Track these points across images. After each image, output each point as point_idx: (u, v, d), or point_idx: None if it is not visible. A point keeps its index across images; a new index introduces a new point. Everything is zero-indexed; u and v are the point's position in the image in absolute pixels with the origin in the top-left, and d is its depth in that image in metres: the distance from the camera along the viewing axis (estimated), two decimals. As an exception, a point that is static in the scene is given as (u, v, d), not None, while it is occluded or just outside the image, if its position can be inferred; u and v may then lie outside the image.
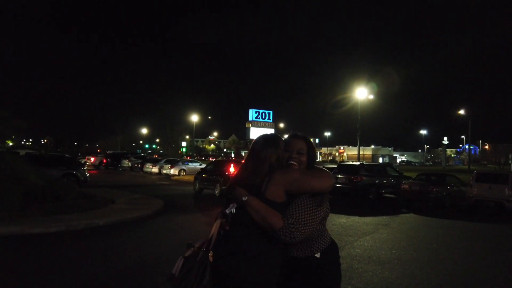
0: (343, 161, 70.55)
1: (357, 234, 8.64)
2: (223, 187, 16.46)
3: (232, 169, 16.30)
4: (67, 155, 18.96)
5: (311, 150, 2.24)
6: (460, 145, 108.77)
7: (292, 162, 2.18)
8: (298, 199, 2.00)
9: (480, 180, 14.06)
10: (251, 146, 2.21)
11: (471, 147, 58.19)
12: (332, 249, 2.18)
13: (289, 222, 1.90)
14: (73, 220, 8.57)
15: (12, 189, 9.05)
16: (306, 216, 1.95)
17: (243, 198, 1.95)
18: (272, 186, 1.96)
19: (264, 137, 2.20)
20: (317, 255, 2.09)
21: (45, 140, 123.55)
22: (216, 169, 17.23)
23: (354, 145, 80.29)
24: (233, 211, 1.99)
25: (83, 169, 17.27)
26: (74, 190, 11.56)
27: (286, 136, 2.45)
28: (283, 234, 1.88)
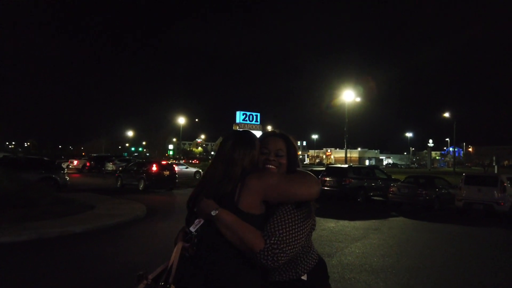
0: (330, 163, 70.67)
1: (347, 240, 8.30)
2: (146, 182, 18.58)
3: (154, 167, 19.01)
4: (45, 158, 18.17)
5: (292, 151, 1.85)
6: (445, 148, 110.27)
7: (270, 166, 1.77)
8: (280, 211, 1.59)
9: (469, 183, 13.91)
10: (219, 145, 1.77)
11: (455, 149, 58.82)
12: (320, 268, 1.78)
13: (271, 242, 1.49)
14: (47, 227, 8.02)
15: (-19, 194, 8.44)
16: (291, 232, 1.54)
17: (212, 212, 1.52)
18: (247, 194, 1.55)
19: (235, 134, 1.78)
20: (304, 277, 1.69)
21: (28, 143, 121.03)
22: (139, 167, 19.88)
23: (341, 148, 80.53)
24: (199, 229, 1.56)
25: (63, 172, 16.58)
26: (50, 195, 10.97)
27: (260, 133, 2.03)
28: (264, 257, 1.47)
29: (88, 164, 38.38)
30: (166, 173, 19.33)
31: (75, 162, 40.39)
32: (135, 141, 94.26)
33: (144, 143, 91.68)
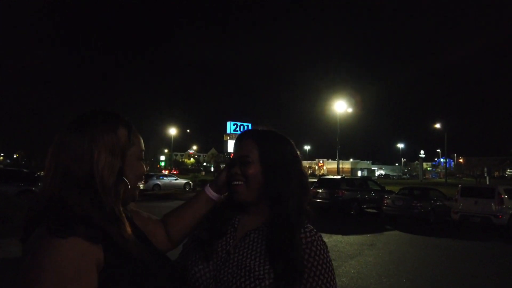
0: (323, 174, 70.36)
1: (341, 258, 7.75)
2: None
3: None
4: (24, 170, 17.42)
5: (271, 154, 1.15)
6: (436, 159, 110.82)
7: (236, 183, 1.16)
8: None
9: (466, 195, 13.50)
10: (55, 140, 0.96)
11: (446, 160, 58.95)
12: None
13: None
14: (15, 245, 7.36)
15: None
16: None
17: None
18: None
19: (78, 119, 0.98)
20: None
21: (17, 154, 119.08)
22: None
23: (334, 159, 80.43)
24: None
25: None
26: (24, 209, 10.28)
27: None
28: None
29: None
30: None
31: None
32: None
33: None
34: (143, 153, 1.09)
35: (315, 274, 1.04)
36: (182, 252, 1.23)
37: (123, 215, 0.95)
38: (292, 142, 1.23)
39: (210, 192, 1.26)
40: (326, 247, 1.12)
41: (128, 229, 0.94)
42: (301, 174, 1.18)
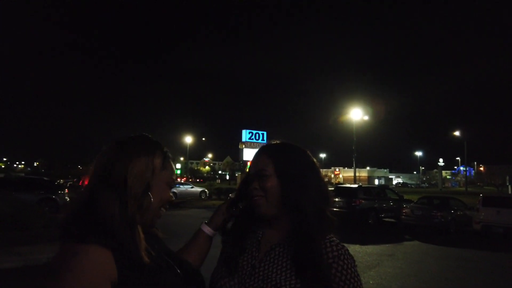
0: (339, 183, 69.64)
1: (359, 268, 7.48)
2: None
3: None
4: (45, 178, 17.78)
5: (288, 168, 1.15)
6: (455, 167, 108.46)
7: (256, 198, 1.16)
8: None
9: (488, 204, 13.14)
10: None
11: (466, 168, 57.64)
12: None
13: None
14: (35, 253, 7.47)
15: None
16: None
17: None
18: None
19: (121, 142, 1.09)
20: None
21: (37, 163, 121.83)
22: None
23: (350, 167, 79.58)
24: None
25: (62, 193, 16.10)
26: (45, 217, 10.46)
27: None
28: None
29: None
30: None
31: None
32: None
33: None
34: (174, 182, 1.15)
35: None
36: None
37: (139, 226, 1.00)
38: (308, 152, 1.23)
39: (208, 229, 1.33)
40: (354, 261, 1.10)
41: (142, 236, 0.99)
42: (320, 182, 1.18)
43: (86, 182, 1.06)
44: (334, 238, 1.13)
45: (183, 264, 1.12)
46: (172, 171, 1.14)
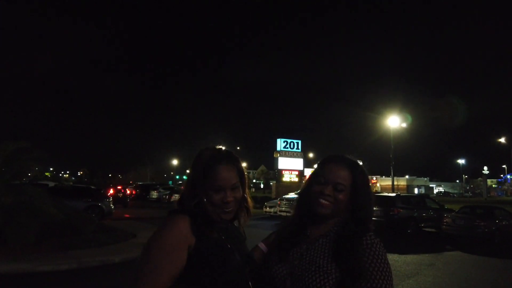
0: (377, 192, 67.85)
1: (398, 277, 7.59)
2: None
3: (111, 191, 24.09)
4: (92, 187, 18.85)
5: (360, 186, 1.44)
6: (501, 175, 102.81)
7: (323, 201, 1.42)
8: None
9: (535, 214, 12.56)
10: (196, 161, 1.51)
11: (514, 177, 54.57)
12: None
13: None
14: (87, 257, 8.05)
15: (28, 223, 8.67)
16: None
17: None
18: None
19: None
20: None
21: (81, 172, 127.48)
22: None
23: (388, 175, 77.50)
24: None
25: (108, 200, 17.00)
26: (93, 223, 11.14)
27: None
28: None
29: (134, 192, 39.37)
30: (120, 194, 26.95)
31: (129, 191, 38.32)
32: (179, 170, 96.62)
33: (188, 171, 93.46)
34: (220, 188, 1.41)
35: (376, 272, 1.27)
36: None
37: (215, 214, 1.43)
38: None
39: (263, 247, 1.55)
40: (384, 250, 1.34)
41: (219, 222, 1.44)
42: (371, 190, 1.49)
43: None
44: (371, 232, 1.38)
45: (247, 256, 1.46)
46: (214, 178, 1.42)
